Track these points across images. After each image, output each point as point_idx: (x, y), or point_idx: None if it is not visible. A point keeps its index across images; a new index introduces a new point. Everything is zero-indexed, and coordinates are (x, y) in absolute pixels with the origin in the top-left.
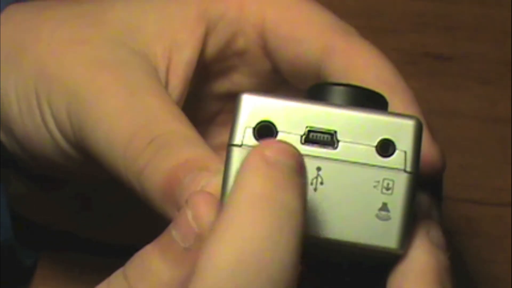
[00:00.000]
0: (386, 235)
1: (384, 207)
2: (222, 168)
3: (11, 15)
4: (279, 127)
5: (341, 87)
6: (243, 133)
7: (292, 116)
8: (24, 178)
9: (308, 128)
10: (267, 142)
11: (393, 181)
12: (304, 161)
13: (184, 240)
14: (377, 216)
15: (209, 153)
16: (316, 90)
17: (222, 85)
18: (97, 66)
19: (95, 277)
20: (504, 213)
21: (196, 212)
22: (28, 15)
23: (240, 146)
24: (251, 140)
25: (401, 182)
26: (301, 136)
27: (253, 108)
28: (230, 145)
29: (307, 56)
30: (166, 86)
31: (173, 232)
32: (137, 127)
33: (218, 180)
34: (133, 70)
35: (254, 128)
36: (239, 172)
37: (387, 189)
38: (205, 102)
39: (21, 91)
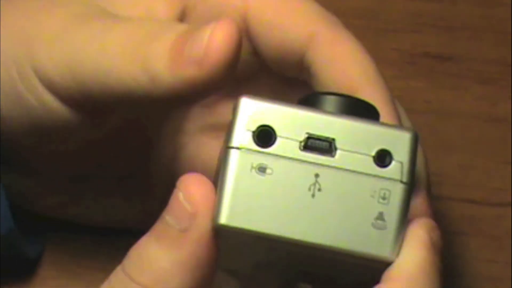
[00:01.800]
0: (380, 244)
1: (380, 216)
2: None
3: None
4: (278, 133)
5: (335, 97)
6: (242, 136)
7: (292, 122)
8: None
9: (307, 135)
10: (429, 222)
11: (389, 191)
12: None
13: (179, 222)
14: (373, 225)
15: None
16: (308, 99)
17: None
18: (80, 18)
19: (99, 267)
20: (504, 213)
21: (187, 192)
22: None
23: (239, 149)
24: (251, 144)
25: (397, 193)
26: (300, 142)
27: (253, 111)
28: (228, 147)
29: (291, 43)
30: None
31: (167, 218)
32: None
33: None
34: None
35: (254, 132)
36: (407, 242)
37: (384, 198)
38: None
39: None
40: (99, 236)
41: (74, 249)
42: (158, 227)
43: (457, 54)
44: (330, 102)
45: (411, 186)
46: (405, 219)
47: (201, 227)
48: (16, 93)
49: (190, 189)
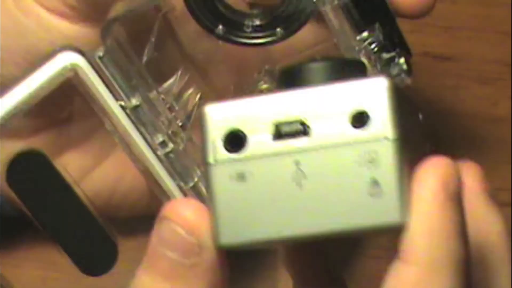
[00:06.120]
0: (384, 211)
1: (374, 182)
2: None
3: None
4: (247, 132)
5: (313, 64)
6: (214, 148)
7: (257, 115)
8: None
9: (275, 124)
10: (440, 162)
11: (375, 151)
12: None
13: (188, 256)
14: (370, 194)
15: None
16: (287, 73)
17: None
18: None
19: None
20: (504, 213)
21: (186, 224)
22: None
23: (214, 164)
24: (224, 154)
25: (385, 151)
26: (272, 134)
27: (218, 118)
28: (205, 164)
29: None
30: None
31: (169, 254)
32: None
33: None
34: None
35: (224, 141)
36: (415, 198)
37: (371, 162)
38: None
39: None
40: None
41: None
42: (161, 264)
43: (457, 54)
44: (308, 71)
45: (399, 139)
46: (402, 176)
47: (210, 254)
48: (13, 21)
49: (187, 218)
